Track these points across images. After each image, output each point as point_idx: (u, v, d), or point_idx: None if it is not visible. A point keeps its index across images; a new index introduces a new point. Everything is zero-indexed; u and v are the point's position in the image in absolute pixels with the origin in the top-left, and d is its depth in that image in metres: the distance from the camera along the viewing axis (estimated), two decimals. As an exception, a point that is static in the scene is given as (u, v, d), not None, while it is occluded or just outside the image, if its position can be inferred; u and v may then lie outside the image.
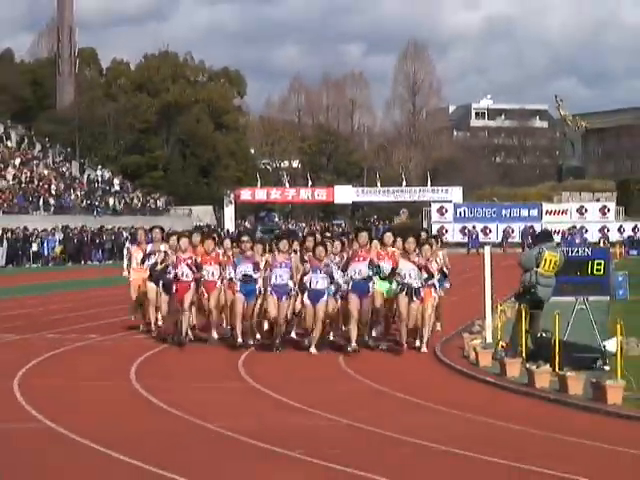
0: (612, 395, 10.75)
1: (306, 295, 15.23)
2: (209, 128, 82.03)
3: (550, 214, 64.33)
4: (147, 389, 12.04)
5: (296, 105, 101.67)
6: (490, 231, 63.36)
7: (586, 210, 64.31)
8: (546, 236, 14.22)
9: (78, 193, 61.56)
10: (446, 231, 63.71)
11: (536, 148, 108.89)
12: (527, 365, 12.40)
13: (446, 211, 65.29)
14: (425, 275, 15.24)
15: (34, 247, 49.10)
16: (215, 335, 16.59)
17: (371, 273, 15.19)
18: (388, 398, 11.72)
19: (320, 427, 9.96)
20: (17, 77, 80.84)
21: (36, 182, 59.00)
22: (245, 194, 70.61)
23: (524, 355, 13.19)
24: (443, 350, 15.32)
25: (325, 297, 15.19)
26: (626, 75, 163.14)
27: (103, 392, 12.07)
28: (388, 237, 16.03)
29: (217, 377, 13.47)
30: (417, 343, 15.70)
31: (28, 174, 59.37)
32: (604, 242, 52.58)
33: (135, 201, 66.75)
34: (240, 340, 15.66)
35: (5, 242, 47.55)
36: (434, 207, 65.71)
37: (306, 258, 15.70)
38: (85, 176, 67.06)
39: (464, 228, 63.87)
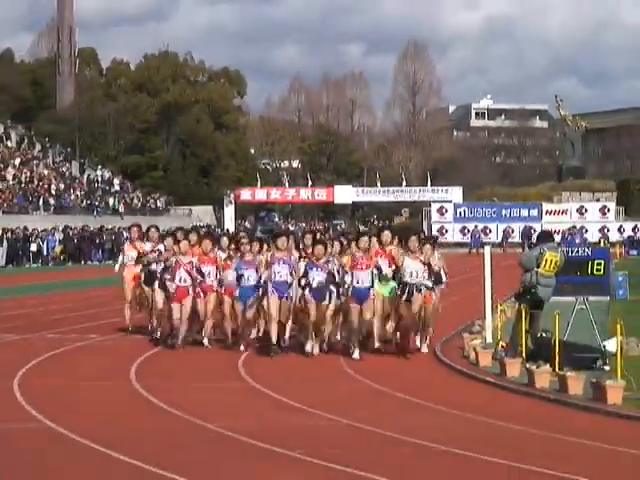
0: (612, 395, 10.75)
1: (307, 290, 14.93)
2: (209, 128, 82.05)
3: (550, 214, 64.35)
4: (147, 389, 12.04)
5: (296, 105, 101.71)
6: (490, 231, 63.36)
7: (586, 210, 64.33)
8: (547, 236, 14.22)
9: (78, 193, 61.58)
10: (446, 231, 63.80)
11: (536, 148, 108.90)
12: (527, 365, 12.39)
13: (446, 211, 65.31)
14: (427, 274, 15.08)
15: (34, 247, 49.09)
16: (206, 342, 16.21)
17: (377, 280, 14.82)
18: (388, 398, 11.72)
19: (320, 427, 9.96)
20: (17, 77, 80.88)
21: (36, 182, 59.02)
22: (245, 194, 70.61)
23: (524, 355, 13.19)
24: (443, 350, 15.31)
25: (327, 300, 14.96)
26: (626, 75, 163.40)
27: (103, 392, 12.07)
28: (386, 235, 15.50)
29: (217, 377, 13.46)
30: (417, 344, 15.67)
31: (28, 174, 59.39)
32: (604, 242, 52.55)
33: (135, 201, 66.78)
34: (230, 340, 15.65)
35: (5, 242, 47.55)
36: (434, 207, 65.73)
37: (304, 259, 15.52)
38: (85, 176, 67.09)
39: (464, 228, 63.89)
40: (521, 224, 62.70)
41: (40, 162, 64.07)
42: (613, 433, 9.70)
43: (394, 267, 14.95)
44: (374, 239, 15.66)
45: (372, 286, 14.87)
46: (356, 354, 14.69)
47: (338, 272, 15.09)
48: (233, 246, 16.54)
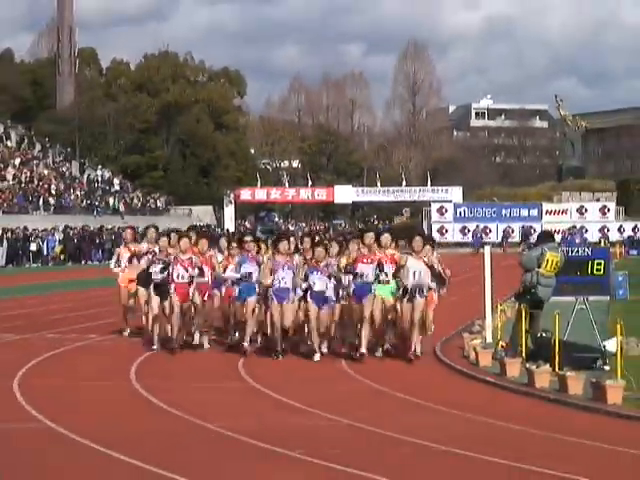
0: (612, 395, 10.75)
1: (309, 294, 14.72)
2: (209, 128, 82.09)
3: (550, 214, 64.39)
4: (147, 389, 12.04)
5: (296, 105, 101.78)
6: (490, 231, 63.38)
7: (586, 210, 64.36)
8: (547, 236, 14.22)
9: (78, 193, 61.59)
10: (446, 231, 63.82)
11: (536, 148, 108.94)
12: (527, 365, 12.39)
13: (446, 211, 65.32)
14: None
15: (34, 247, 49.11)
16: (206, 344, 16.12)
17: (378, 278, 14.64)
18: (388, 398, 11.72)
19: (320, 427, 9.96)
20: (17, 77, 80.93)
21: (36, 182, 59.03)
22: (245, 194, 70.63)
23: (524, 355, 13.19)
24: (443, 350, 15.30)
25: (329, 304, 14.81)
26: (626, 75, 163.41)
27: (103, 392, 12.07)
28: (386, 238, 15.21)
29: (217, 377, 13.46)
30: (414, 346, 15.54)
31: (28, 174, 59.41)
32: (604, 242, 52.55)
33: (135, 201, 66.78)
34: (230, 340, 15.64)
35: (5, 242, 47.58)
36: (434, 207, 65.74)
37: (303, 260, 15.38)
38: (85, 176, 67.10)
39: (464, 228, 63.92)
40: (521, 224, 62.77)
41: (40, 162, 64.09)
42: (613, 433, 9.70)
43: (394, 267, 14.89)
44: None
45: (374, 281, 14.65)
46: (359, 354, 14.47)
47: (336, 277, 14.89)
48: (234, 245, 16.45)
